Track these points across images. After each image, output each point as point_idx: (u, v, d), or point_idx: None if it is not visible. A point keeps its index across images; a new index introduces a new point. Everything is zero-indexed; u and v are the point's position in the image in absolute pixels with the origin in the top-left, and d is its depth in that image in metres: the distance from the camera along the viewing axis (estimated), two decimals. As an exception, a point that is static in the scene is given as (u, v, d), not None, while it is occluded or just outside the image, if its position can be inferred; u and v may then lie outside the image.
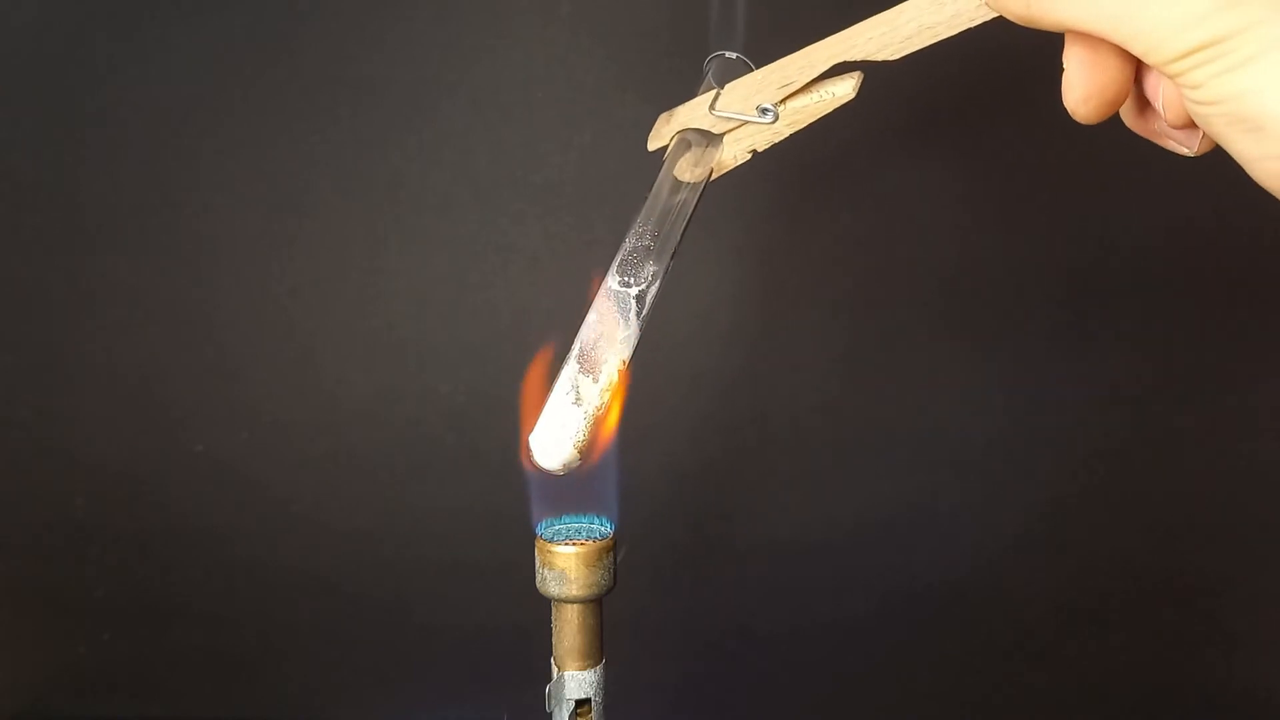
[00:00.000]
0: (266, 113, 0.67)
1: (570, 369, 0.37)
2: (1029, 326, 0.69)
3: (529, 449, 0.37)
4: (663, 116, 0.46)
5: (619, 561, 0.42)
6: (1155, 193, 0.67)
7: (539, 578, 0.41)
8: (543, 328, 0.67)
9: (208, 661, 0.73)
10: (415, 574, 0.71)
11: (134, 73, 0.66)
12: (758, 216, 0.68)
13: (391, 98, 0.67)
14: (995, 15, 0.38)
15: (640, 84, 0.66)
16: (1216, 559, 0.72)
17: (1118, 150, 0.64)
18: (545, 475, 0.38)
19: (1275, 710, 0.73)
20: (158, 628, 0.73)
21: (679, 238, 0.41)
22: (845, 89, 0.42)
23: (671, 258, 0.40)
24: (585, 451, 0.37)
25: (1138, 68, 0.37)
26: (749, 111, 0.43)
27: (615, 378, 0.38)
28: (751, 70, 0.44)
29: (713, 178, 0.44)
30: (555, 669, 0.42)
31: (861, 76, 0.42)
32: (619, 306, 0.39)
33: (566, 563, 0.40)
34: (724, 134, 0.44)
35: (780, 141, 0.44)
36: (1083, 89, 0.36)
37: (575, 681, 0.42)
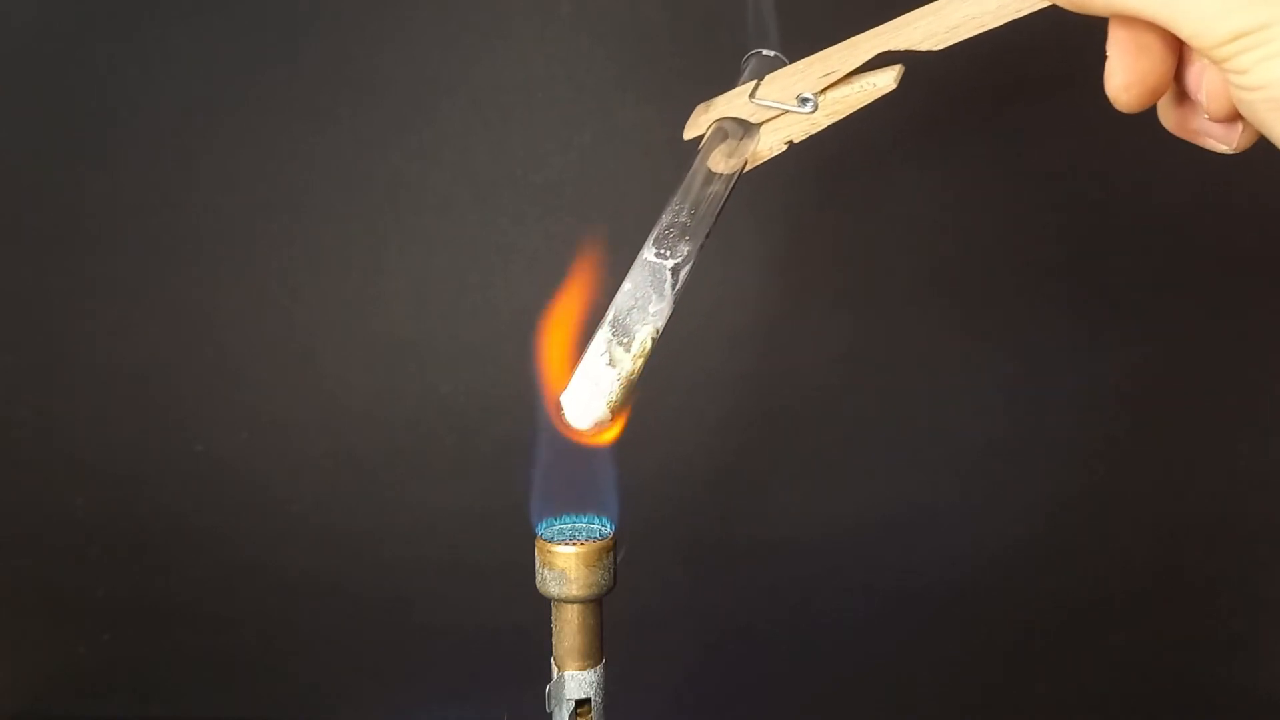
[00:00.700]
0: (266, 113, 0.67)
1: (604, 334, 0.37)
2: (1030, 326, 0.69)
3: (560, 407, 0.37)
4: (700, 106, 0.46)
5: (619, 561, 0.42)
6: (1157, 193, 0.67)
7: (539, 578, 0.41)
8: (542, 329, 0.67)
9: (208, 661, 0.73)
10: (415, 574, 0.71)
11: (134, 73, 0.66)
12: (761, 216, 0.68)
13: (391, 98, 0.67)
14: (1041, 6, 0.38)
15: (640, 84, 0.66)
16: (1216, 559, 0.72)
17: (1122, 148, 0.64)
18: (569, 436, 0.38)
19: (1275, 710, 0.73)
20: (158, 628, 0.73)
21: (711, 224, 0.41)
22: (886, 80, 0.42)
23: (703, 241, 0.40)
24: (616, 412, 0.37)
25: (1180, 61, 0.37)
26: (789, 101, 0.43)
27: (648, 346, 0.38)
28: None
29: (747, 169, 0.44)
30: (555, 669, 0.42)
31: (902, 69, 0.42)
32: (654, 278, 0.39)
33: (566, 563, 0.40)
34: (761, 124, 0.44)
35: (816, 133, 0.43)
36: (1124, 76, 0.36)
37: (575, 681, 0.42)
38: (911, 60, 0.41)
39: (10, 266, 0.69)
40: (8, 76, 0.66)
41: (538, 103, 0.66)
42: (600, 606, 0.42)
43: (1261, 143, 0.36)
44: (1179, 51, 0.37)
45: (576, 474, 0.42)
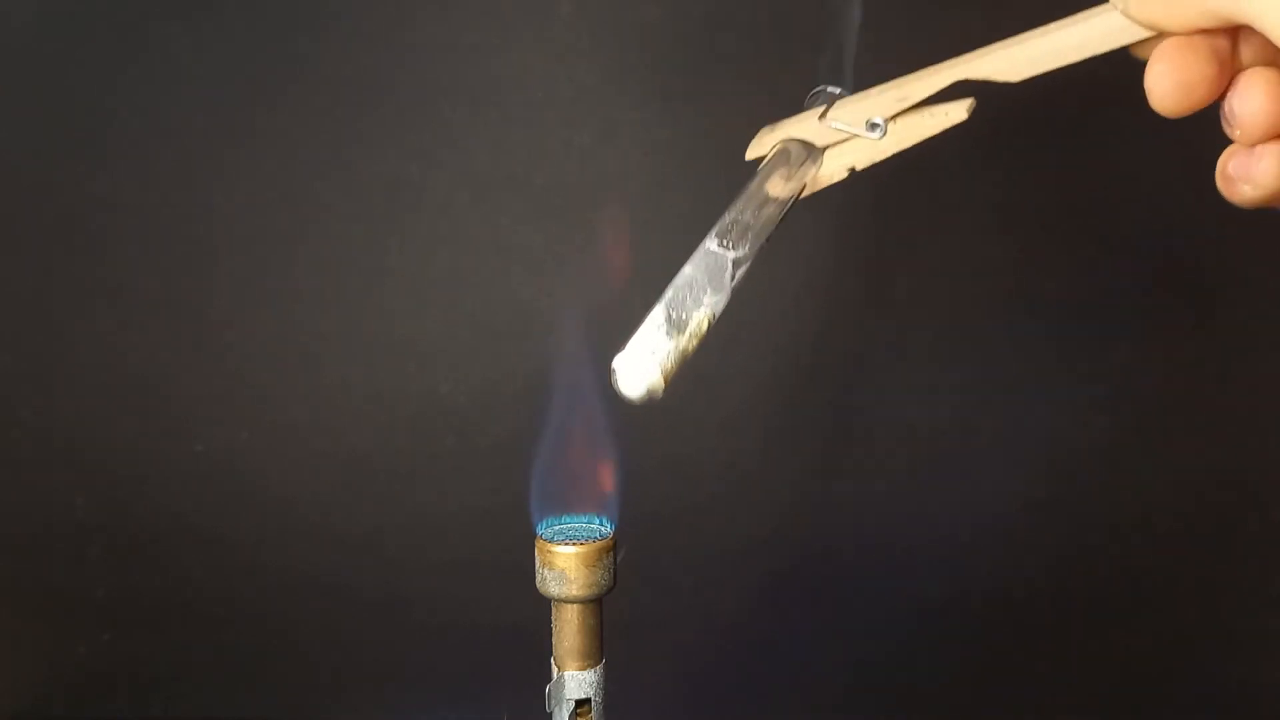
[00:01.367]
0: (266, 113, 0.67)
1: (662, 308, 0.37)
2: (1031, 326, 0.69)
3: (613, 372, 0.36)
4: (765, 128, 0.46)
5: (619, 561, 0.42)
6: (1161, 192, 0.67)
7: (539, 578, 0.41)
8: (543, 328, 0.67)
9: (207, 661, 0.73)
10: (415, 574, 0.71)
11: (134, 73, 0.66)
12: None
13: (391, 98, 0.67)
14: (1128, 43, 0.38)
15: (640, 84, 0.66)
16: (1216, 559, 0.72)
17: (1124, 152, 0.64)
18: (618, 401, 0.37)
19: (1275, 710, 0.73)
20: (158, 628, 0.73)
21: (764, 241, 0.41)
22: (959, 111, 0.42)
23: (758, 251, 0.40)
24: (668, 380, 0.36)
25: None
26: (858, 125, 0.43)
27: (704, 327, 0.37)
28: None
29: (805, 194, 0.43)
30: (555, 669, 0.42)
31: (974, 102, 0.42)
32: (714, 267, 0.39)
33: (566, 563, 0.40)
34: (825, 148, 0.44)
35: (880, 161, 0.43)
36: (1176, 77, 0.36)
37: (575, 681, 0.42)
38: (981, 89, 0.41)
39: (10, 266, 0.69)
40: (7, 76, 0.66)
41: (537, 103, 0.66)
42: (600, 606, 0.42)
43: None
44: (1230, 68, 0.37)
45: (577, 473, 0.42)
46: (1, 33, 0.66)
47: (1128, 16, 0.37)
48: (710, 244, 0.39)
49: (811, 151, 0.44)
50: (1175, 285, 0.68)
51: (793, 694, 0.73)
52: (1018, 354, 0.69)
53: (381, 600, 0.72)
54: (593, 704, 0.42)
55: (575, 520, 0.42)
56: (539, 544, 0.41)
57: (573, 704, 0.42)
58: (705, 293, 0.38)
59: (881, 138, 0.43)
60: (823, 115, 0.44)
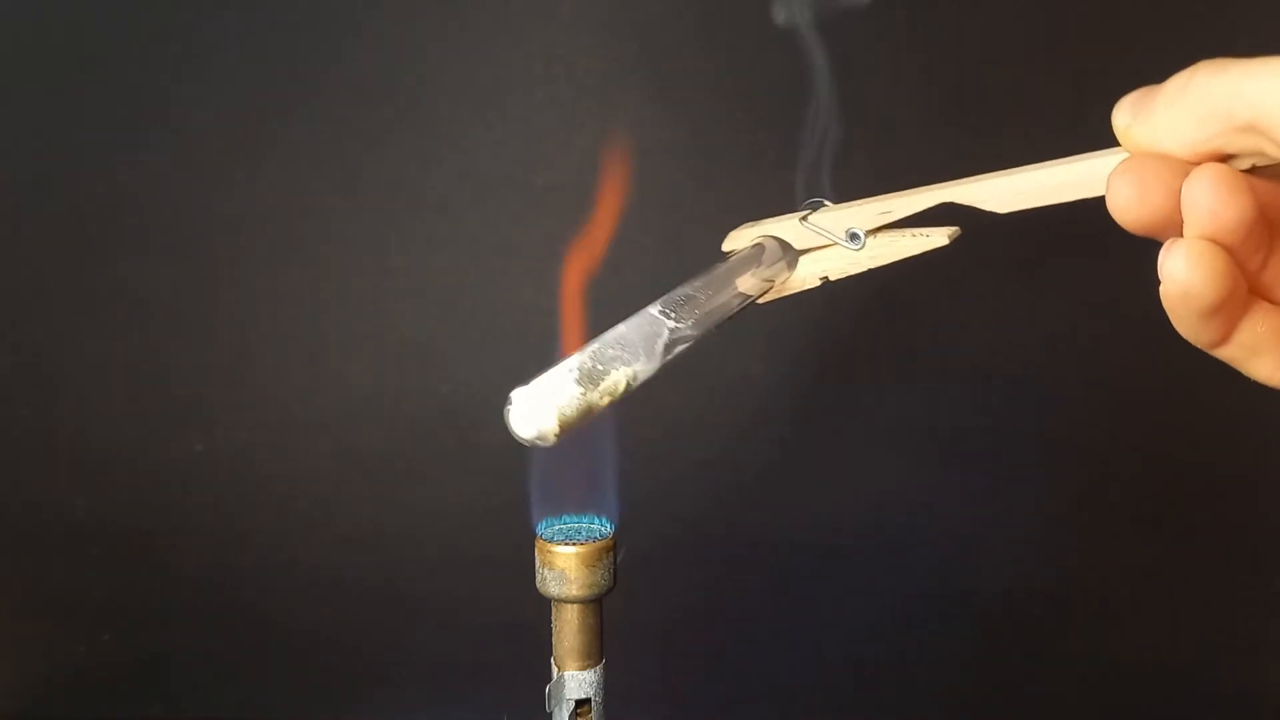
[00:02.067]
0: (267, 113, 0.67)
1: (582, 356, 0.35)
2: (1031, 325, 0.69)
3: (509, 404, 0.35)
4: (746, 225, 0.45)
5: (619, 561, 0.42)
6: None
7: (539, 578, 0.41)
8: (543, 328, 0.67)
9: (208, 661, 0.73)
10: (415, 574, 0.71)
11: (135, 73, 0.66)
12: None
13: (392, 98, 0.67)
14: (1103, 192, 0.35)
15: (640, 84, 0.66)
16: (1216, 558, 0.72)
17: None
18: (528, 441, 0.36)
19: (1276, 710, 0.73)
20: (158, 628, 0.73)
21: (714, 325, 0.40)
22: (939, 237, 0.42)
23: (704, 334, 0.39)
24: (565, 430, 0.34)
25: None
26: (838, 233, 0.43)
27: (620, 389, 0.35)
28: None
29: (770, 297, 0.43)
30: (555, 669, 0.42)
31: (958, 231, 0.41)
32: (649, 332, 0.37)
33: (566, 563, 0.40)
34: (802, 252, 0.43)
35: (854, 274, 0.43)
36: (1134, 207, 0.33)
37: (575, 681, 0.42)
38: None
39: (10, 267, 0.69)
40: (9, 75, 0.66)
41: (537, 103, 0.66)
42: (600, 606, 0.42)
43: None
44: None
45: (576, 474, 0.42)
46: (4, 34, 0.66)
47: (1126, 144, 0.34)
48: (653, 309, 0.38)
49: (788, 252, 0.44)
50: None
51: (793, 694, 0.73)
52: (1020, 353, 0.69)
53: (382, 600, 0.72)
54: (593, 704, 0.42)
55: (575, 520, 0.42)
56: (539, 544, 0.41)
57: (573, 704, 0.42)
58: (633, 356, 0.36)
59: (860, 249, 0.42)
60: (804, 218, 0.43)
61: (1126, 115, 0.34)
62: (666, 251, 0.68)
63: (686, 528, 0.70)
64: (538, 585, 0.42)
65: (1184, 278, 0.32)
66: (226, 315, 0.69)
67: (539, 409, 0.33)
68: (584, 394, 0.34)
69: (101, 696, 0.74)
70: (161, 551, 0.71)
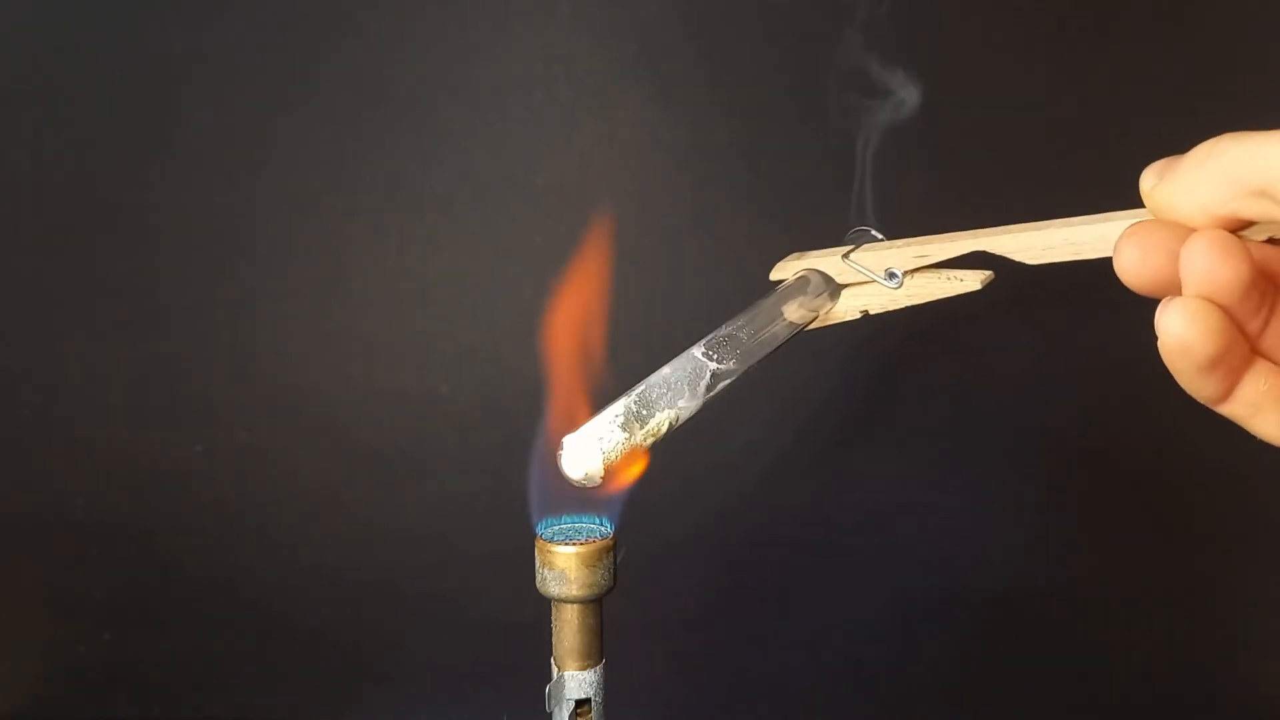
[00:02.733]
0: (267, 113, 0.67)
1: (626, 400, 0.38)
2: (1031, 325, 0.69)
3: (559, 447, 0.37)
4: (793, 254, 0.47)
5: (619, 561, 0.42)
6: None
7: (539, 577, 0.41)
8: (543, 329, 0.67)
9: (208, 661, 0.73)
10: (415, 574, 0.71)
11: (135, 72, 0.66)
12: (762, 220, 0.68)
13: (392, 98, 0.67)
14: None
15: (640, 84, 0.66)
16: (1216, 559, 0.72)
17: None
18: (560, 481, 0.38)
19: (1276, 710, 0.73)
20: (158, 628, 0.73)
21: (763, 357, 0.42)
22: (973, 281, 0.43)
23: (750, 367, 0.41)
24: (611, 472, 0.37)
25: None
26: (877, 271, 0.44)
27: (663, 430, 0.38)
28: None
29: (815, 325, 0.45)
30: (555, 669, 0.42)
31: (991, 276, 0.43)
32: (693, 375, 0.39)
33: (566, 563, 0.40)
34: (845, 286, 0.45)
35: (893, 310, 0.44)
36: (1137, 268, 0.35)
37: (575, 681, 0.42)
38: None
39: (11, 267, 0.69)
40: (12, 79, 0.66)
41: (537, 103, 0.66)
42: (600, 606, 0.42)
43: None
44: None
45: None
46: (4, 34, 0.66)
47: (1150, 205, 0.36)
48: (696, 350, 0.40)
49: (830, 285, 0.45)
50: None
51: (793, 694, 0.73)
52: (1019, 352, 0.69)
53: (382, 600, 0.72)
54: (593, 704, 0.42)
55: (575, 520, 0.42)
56: (539, 544, 0.41)
57: (573, 704, 0.42)
58: (677, 397, 0.38)
59: (897, 288, 0.44)
60: (847, 255, 0.45)
61: (1152, 178, 0.35)
62: (667, 251, 0.68)
63: (687, 528, 0.71)
64: (538, 585, 0.42)
65: (1179, 332, 0.34)
66: (227, 315, 0.69)
67: (587, 455, 0.36)
68: (628, 438, 0.37)
69: (101, 696, 0.74)
70: (161, 551, 0.71)
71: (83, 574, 0.72)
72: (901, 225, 0.46)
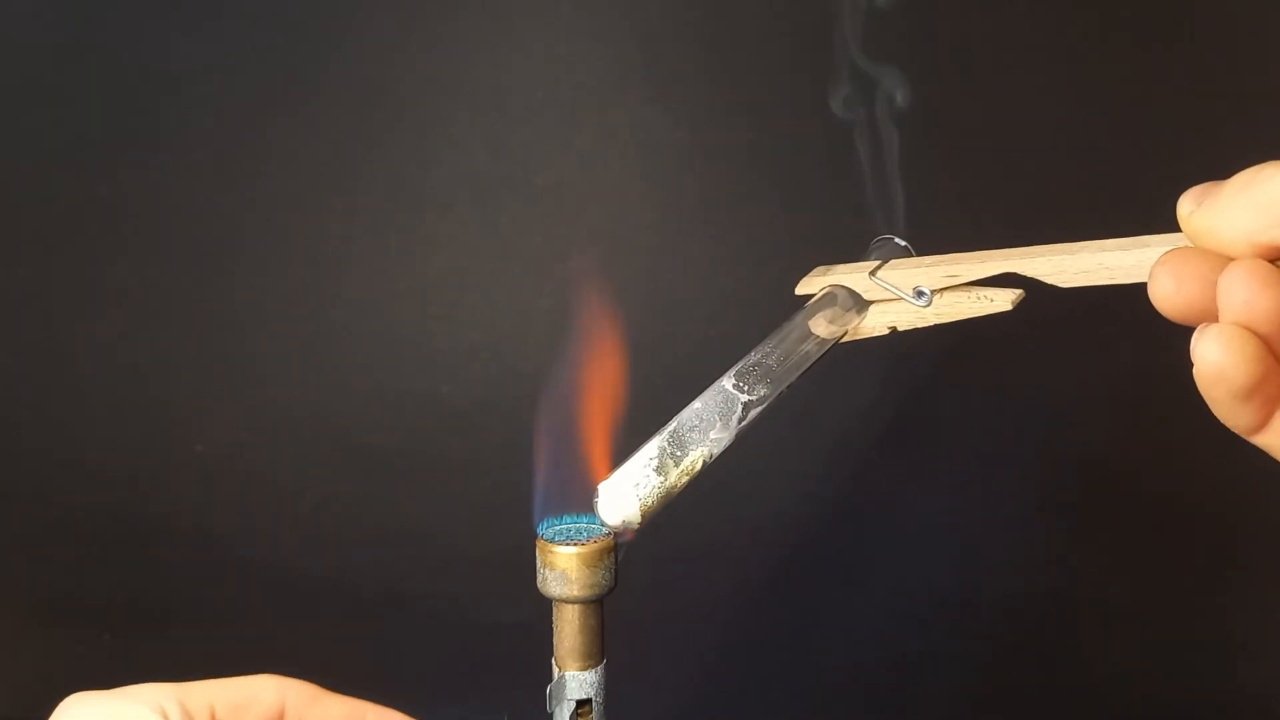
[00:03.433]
0: (267, 115, 0.67)
1: (659, 441, 0.38)
2: (1030, 325, 0.69)
3: (596, 495, 0.37)
4: (820, 268, 0.46)
5: (620, 561, 0.42)
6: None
7: (540, 578, 0.41)
8: (543, 329, 0.67)
9: (208, 661, 0.73)
10: (415, 574, 0.71)
11: (134, 75, 0.66)
12: (762, 220, 0.68)
13: (392, 99, 0.67)
14: None
15: (640, 84, 0.66)
16: (1217, 559, 0.72)
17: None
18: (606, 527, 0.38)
19: (1275, 711, 0.73)
20: (158, 628, 0.73)
21: (795, 378, 0.42)
22: (1003, 301, 0.43)
23: (783, 390, 0.41)
24: (648, 517, 0.37)
25: None
26: (905, 289, 0.44)
27: (698, 467, 0.38)
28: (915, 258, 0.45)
29: (845, 340, 0.44)
30: (556, 669, 0.42)
31: (1022, 294, 0.42)
32: (725, 407, 0.39)
33: (567, 563, 0.40)
34: (872, 303, 0.45)
35: (922, 327, 0.44)
36: (1172, 296, 0.36)
37: (576, 682, 0.42)
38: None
39: (11, 267, 0.69)
40: (11, 78, 0.66)
41: (538, 103, 0.66)
42: (601, 607, 0.42)
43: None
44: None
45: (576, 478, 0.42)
46: (6, 35, 0.66)
47: (1187, 230, 0.35)
48: (726, 382, 0.40)
49: (859, 302, 0.45)
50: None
51: (793, 694, 0.73)
52: (1019, 352, 0.69)
53: (382, 600, 0.72)
54: (593, 704, 0.42)
55: (576, 520, 0.42)
56: (540, 544, 0.41)
57: (573, 704, 0.42)
58: (711, 429, 0.38)
59: (926, 306, 0.44)
60: (874, 272, 0.44)
61: (1190, 204, 0.35)
62: (667, 251, 0.68)
63: (687, 528, 0.70)
64: (538, 585, 0.42)
65: (1216, 359, 0.34)
66: (226, 315, 0.69)
67: (623, 502, 0.37)
68: (663, 481, 0.37)
69: (101, 696, 0.74)
70: (161, 551, 0.71)
71: (83, 574, 0.72)
72: (917, 229, 0.46)
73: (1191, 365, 0.34)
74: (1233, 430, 0.36)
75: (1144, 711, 0.74)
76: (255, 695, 0.44)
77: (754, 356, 0.41)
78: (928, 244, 0.45)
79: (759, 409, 0.40)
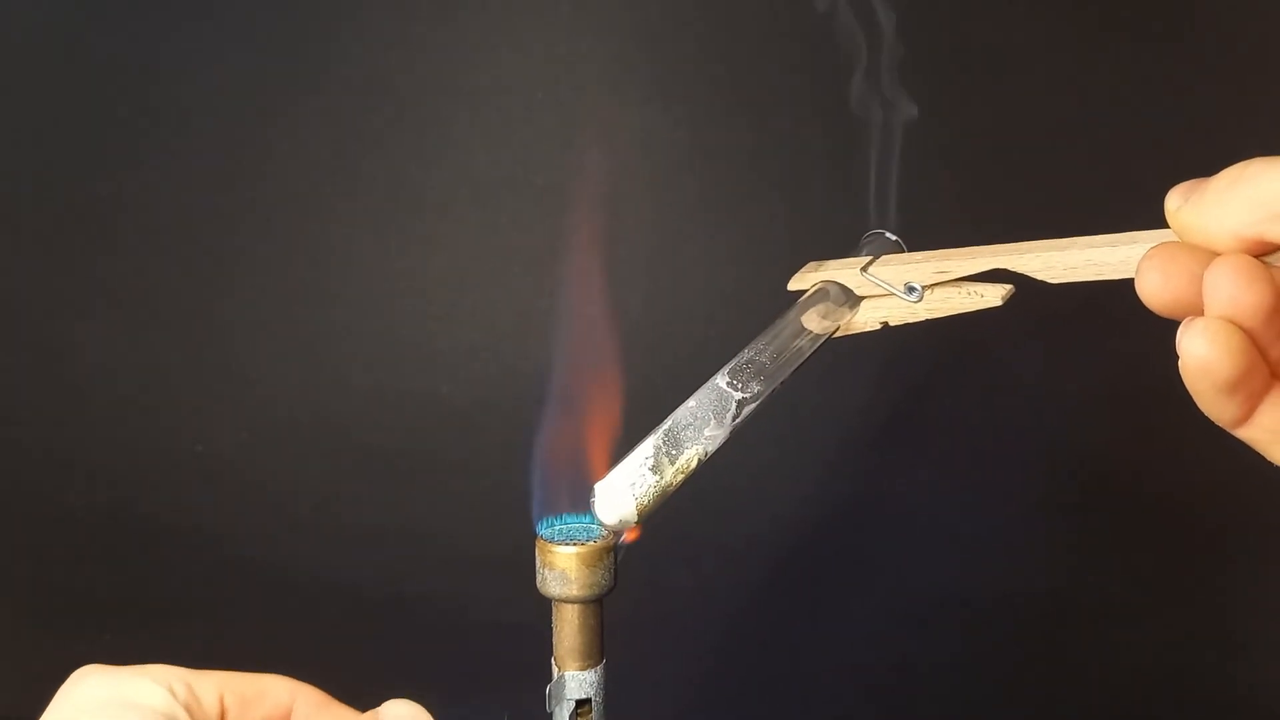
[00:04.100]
0: (267, 114, 0.67)
1: (654, 440, 0.38)
2: (1030, 325, 0.69)
3: (592, 495, 0.37)
4: (811, 264, 0.47)
5: (619, 561, 0.42)
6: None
7: (539, 578, 0.41)
8: (543, 329, 0.67)
9: (208, 661, 0.73)
10: (415, 574, 0.71)
11: (135, 74, 0.66)
12: (762, 220, 0.68)
13: (392, 99, 0.67)
14: None
15: (641, 85, 0.66)
16: (1216, 559, 0.72)
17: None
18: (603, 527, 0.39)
19: (1275, 711, 0.73)
20: (158, 628, 0.73)
21: (789, 374, 0.42)
22: (994, 296, 0.43)
23: (777, 387, 0.41)
24: (644, 516, 0.37)
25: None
26: (897, 285, 0.44)
27: (693, 465, 0.38)
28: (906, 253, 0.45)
29: (836, 334, 0.45)
30: (556, 669, 0.42)
31: (1012, 290, 0.43)
32: (719, 404, 0.40)
33: (567, 563, 0.40)
34: (864, 298, 0.45)
35: (913, 322, 0.44)
36: (1170, 291, 0.35)
37: (576, 682, 0.42)
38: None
39: (11, 267, 0.69)
40: (12, 78, 0.66)
41: (538, 103, 0.66)
42: (601, 607, 0.42)
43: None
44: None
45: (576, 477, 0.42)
46: (7, 34, 0.66)
47: (1174, 225, 0.36)
48: (720, 380, 0.40)
49: (850, 297, 0.45)
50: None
51: (793, 694, 0.73)
52: (1018, 352, 0.69)
53: (382, 600, 0.72)
54: (593, 704, 0.42)
55: (576, 520, 0.42)
56: (539, 544, 0.41)
57: (573, 704, 0.42)
58: (706, 427, 0.39)
59: (917, 301, 0.44)
60: (865, 268, 0.45)
61: (1178, 199, 0.35)
62: (667, 251, 0.68)
63: (687, 527, 0.70)
64: (538, 585, 0.42)
65: (1201, 353, 0.34)
66: (226, 315, 0.69)
67: (620, 502, 0.37)
68: (659, 480, 0.38)
69: (101, 696, 0.74)
70: (161, 551, 0.71)
71: (82, 573, 0.72)
72: (911, 226, 0.46)
73: (1177, 359, 0.34)
74: (1217, 423, 0.36)
75: (1144, 711, 0.74)
76: (266, 691, 0.44)
77: (747, 354, 0.41)
78: (928, 244, 0.45)
79: (753, 406, 0.40)
